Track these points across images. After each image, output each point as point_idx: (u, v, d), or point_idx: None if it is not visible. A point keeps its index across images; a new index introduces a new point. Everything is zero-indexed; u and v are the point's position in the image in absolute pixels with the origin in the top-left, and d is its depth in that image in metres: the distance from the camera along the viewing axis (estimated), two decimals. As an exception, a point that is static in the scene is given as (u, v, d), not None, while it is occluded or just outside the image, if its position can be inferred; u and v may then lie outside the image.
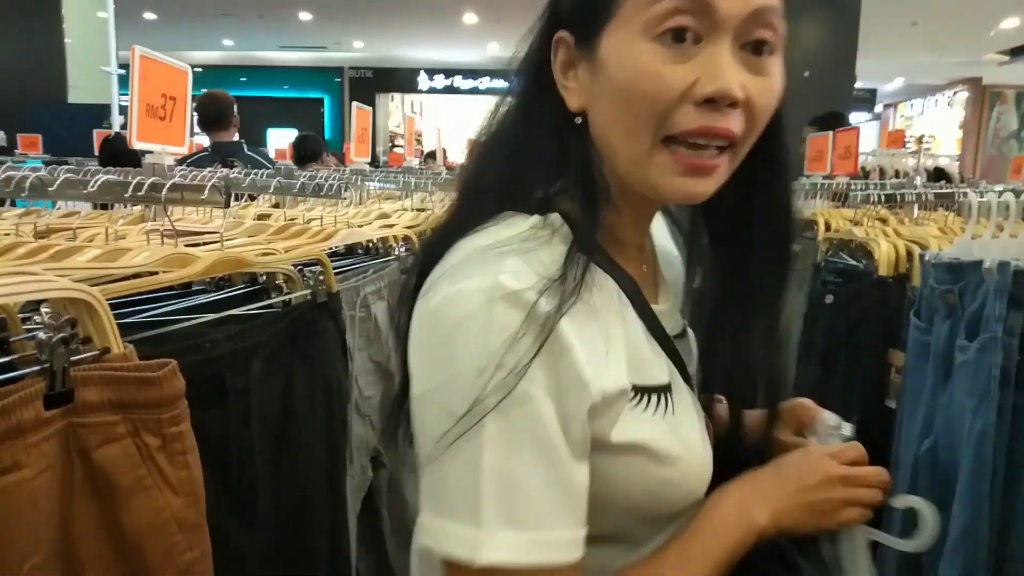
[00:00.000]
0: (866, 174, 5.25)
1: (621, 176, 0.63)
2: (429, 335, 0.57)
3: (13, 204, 1.92)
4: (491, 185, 0.66)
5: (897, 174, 4.80)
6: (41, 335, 0.66)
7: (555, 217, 0.63)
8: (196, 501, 0.74)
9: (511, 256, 0.57)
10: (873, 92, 14.42)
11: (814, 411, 0.79)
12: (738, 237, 0.71)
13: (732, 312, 0.73)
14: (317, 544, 1.12)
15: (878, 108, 15.17)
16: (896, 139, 6.20)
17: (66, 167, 1.27)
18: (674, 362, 0.68)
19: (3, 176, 1.05)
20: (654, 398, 0.63)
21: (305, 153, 4.85)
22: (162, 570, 0.70)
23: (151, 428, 0.71)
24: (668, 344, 0.68)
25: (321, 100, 15.52)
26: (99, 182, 1.07)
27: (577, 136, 0.65)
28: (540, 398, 0.53)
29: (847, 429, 0.76)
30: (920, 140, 9.42)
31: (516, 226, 0.61)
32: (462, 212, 0.66)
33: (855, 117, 11.86)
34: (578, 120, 0.64)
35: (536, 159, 0.65)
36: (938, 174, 4.98)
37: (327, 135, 14.82)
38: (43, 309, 0.72)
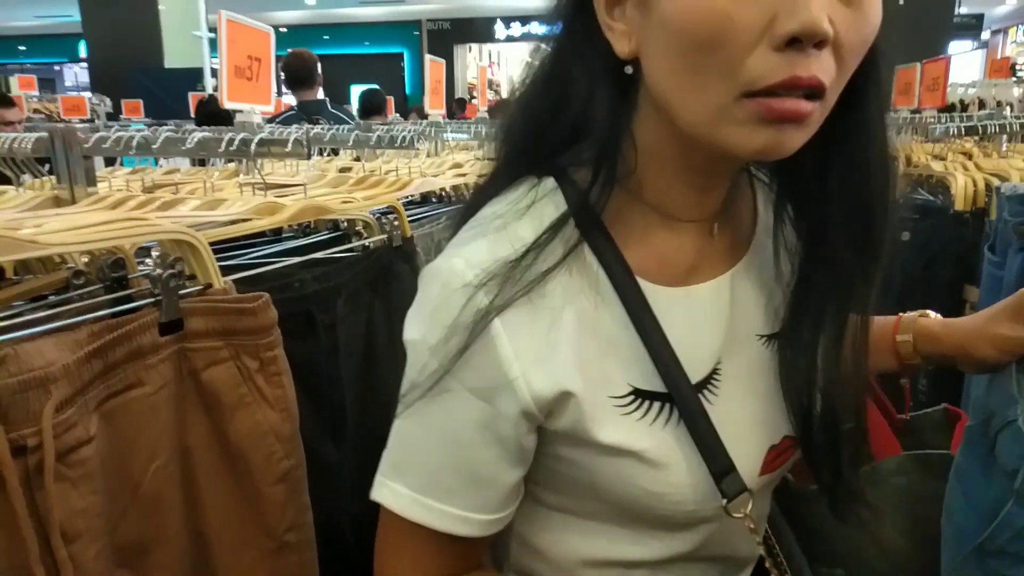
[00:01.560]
0: (964, 107, 4.96)
1: (683, 135, 0.52)
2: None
3: (121, 164, 2.10)
4: (513, 149, 0.61)
5: (999, 106, 4.51)
6: (153, 272, 0.77)
7: (548, 182, 0.57)
8: (290, 416, 0.84)
9: (482, 236, 0.55)
10: (979, 17, 13.36)
11: None
12: (816, 207, 0.58)
13: (810, 303, 0.60)
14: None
15: (985, 35, 14.07)
16: (1001, 68, 5.81)
17: (166, 127, 1.39)
18: (660, 368, 0.56)
19: (114, 137, 1.17)
20: (656, 406, 0.56)
21: (368, 107, 4.99)
22: (263, 475, 0.81)
23: (250, 352, 0.81)
24: (661, 347, 0.57)
25: (401, 55, 15.66)
26: (196, 139, 1.18)
27: (620, 89, 0.55)
28: (461, 394, 0.53)
29: None
30: (1032, 68, 8.73)
31: (504, 199, 0.58)
32: (489, 178, 0.62)
33: (957, 46, 11.05)
34: (628, 70, 0.53)
35: (564, 118, 0.56)
36: (1046, 104, 4.65)
37: (407, 90, 14.97)
38: (153, 252, 0.83)
